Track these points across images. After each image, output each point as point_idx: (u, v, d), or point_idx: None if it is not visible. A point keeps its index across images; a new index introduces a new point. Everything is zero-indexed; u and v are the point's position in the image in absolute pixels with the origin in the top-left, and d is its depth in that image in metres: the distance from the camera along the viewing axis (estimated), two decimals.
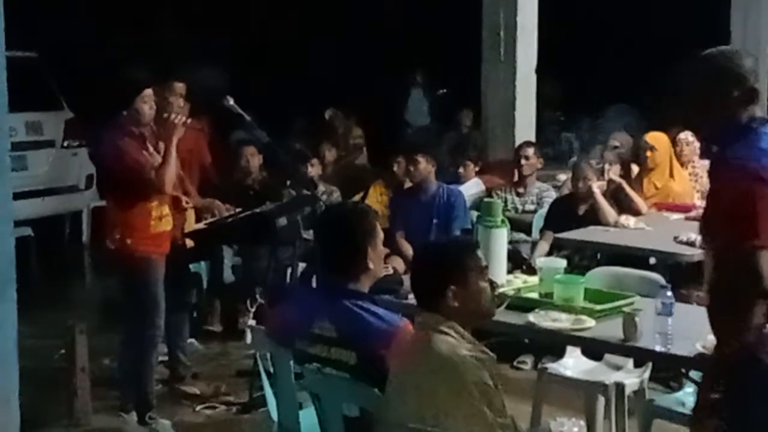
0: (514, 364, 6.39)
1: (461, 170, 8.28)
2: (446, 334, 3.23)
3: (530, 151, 7.77)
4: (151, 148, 5.35)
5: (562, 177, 8.56)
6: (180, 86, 6.24)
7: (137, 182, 5.28)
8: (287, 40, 14.19)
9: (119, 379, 5.69)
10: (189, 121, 5.60)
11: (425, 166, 7.10)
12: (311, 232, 5.76)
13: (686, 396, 4.48)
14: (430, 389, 3.15)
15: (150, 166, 5.28)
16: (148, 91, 5.32)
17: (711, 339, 3.77)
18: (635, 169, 7.78)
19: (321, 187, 7.70)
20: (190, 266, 6.70)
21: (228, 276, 7.38)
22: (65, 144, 10.09)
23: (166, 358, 6.18)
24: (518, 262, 6.49)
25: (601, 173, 7.09)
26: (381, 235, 3.75)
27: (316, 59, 14.10)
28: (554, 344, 5.18)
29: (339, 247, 3.68)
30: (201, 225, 6.26)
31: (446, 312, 3.28)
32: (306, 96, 12.72)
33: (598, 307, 4.38)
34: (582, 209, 6.93)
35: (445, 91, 15.15)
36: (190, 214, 6.40)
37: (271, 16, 14.24)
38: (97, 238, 5.71)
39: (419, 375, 3.20)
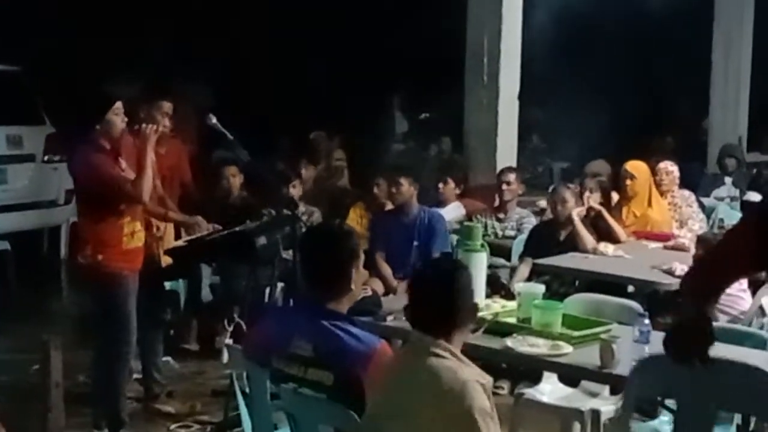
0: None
1: (441, 186, 8.25)
2: (442, 357, 3.16)
3: (511, 176, 7.80)
4: (123, 163, 5.36)
5: (543, 203, 8.60)
6: (167, 105, 6.24)
7: (112, 195, 5.28)
8: (271, 59, 14.21)
9: (92, 396, 5.67)
10: (161, 129, 5.62)
11: (407, 188, 7.11)
12: (290, 252, 5.77)
13: (662, 424, 4.48)
14: (426, 415, 3.10)
15: (124, 179, 5.29)
16: (119, 104, 5.33)
17: None
18: (615, 196, 7.82)
19: (301, 208, 7.70)
20: (169, 284, 6.68)
21: (206, 294, 7.36)
22: (46, 158, 10.05)
23: (140, 375, 6.15)
24: (497, 287, 6.50)
25: (579, 198, 7.12)
26: (362, 257, 3.76)
27: (301, 80, 14.12)
28: (531, 369, 5.18)
29: (323, 267, 3.67)
30: (180, 242, 6.25)
31: (445, 334, 3.21)
32: (289, 116, 12.73)
33: (576, 333, 4.39)
34: (562, 235, 6.95)
35: (427, 115, 15.20)
36: (169, 232, 6.39)
37: (254, 36, 14.26)
38: (75, 254, 5.70)
39: (411, 399, 3.15)
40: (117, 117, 5.31)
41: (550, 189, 8.01)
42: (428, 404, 3.11)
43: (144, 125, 5.43)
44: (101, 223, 5.34)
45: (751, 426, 3.79)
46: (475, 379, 3.12)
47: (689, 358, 3.03)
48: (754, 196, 9.18)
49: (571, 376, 4.83)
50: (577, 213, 6.92)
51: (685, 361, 3.04)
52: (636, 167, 7.57)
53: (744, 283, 5.74)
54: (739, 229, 3.25)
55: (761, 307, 5.80)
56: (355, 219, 8.09)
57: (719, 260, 3.22)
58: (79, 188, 5.55)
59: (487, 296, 4.97)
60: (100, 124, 5.29)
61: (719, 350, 3.39)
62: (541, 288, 4.80)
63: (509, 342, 4.32)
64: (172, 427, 5.82)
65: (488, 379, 3.18)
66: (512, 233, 7.64)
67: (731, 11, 11.71)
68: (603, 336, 4.19)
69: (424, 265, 3.51)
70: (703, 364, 2.99)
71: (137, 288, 5.49)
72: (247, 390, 3.90)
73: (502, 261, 7.35)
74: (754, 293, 5.84)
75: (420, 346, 3.23)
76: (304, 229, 5.59)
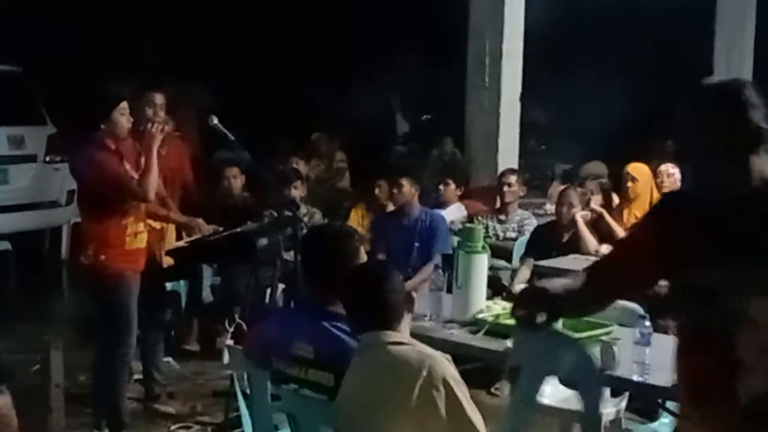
0: (491, 390, 6.37)
1: (442, 187, 8.26)
2: (399, 344, 3.30)
3: (513, 178, 7.79)
4: (127, 165, 5.35)
5: (547, 206, 8.61)
6: (158, 97, 6.19)
7: (118, 194, 5.28)
8: (271, 59, 14.21)
9: (93, 397, 5.66)
10: (166, 128, 5.62)
11: (409, 189, 7.10)
12: (291, 253, 5.77)
13: (662, 427, 4.48)
14: (406, 400, 3.17)
15: (131, 177, 5.29)
16: (124, 103, 5.33)
17: None
18: (616, 199, 7.82)
19: (303, 209, 7.70)
20: (170, 285, 6.68)
21: (207, 295, 7.36)
22: (47, 159, 10.06)
23: (141, 376, 6.15)
24: (498, 289, 6.50)
25: (587, 203, 7.12)
26: (364, 257, 3.76)
27: (302, 80, 14.12)
28: None
29: (322, 268, 3.68)
30: (181, 243, 6.25)
31: (392, 327, 3.34)
32: (289, 117, 12.74)
33: (577, 335, 4.38)
34: (565, 237, 6.94)
35: (429, 116, 15.20)
36: (171, 233, 6.39)
37: (254, 36, 14.28)
38: (76, 254, 5.72)
39: (387, 391, 3.23)
40: (123, 117, 5.31)
41: (550, 188, 8.00)
42: (405, 388, 3.17)
43: (149, 125, 5.44)
44: (104, 223, 5.33)
45: None
46: (439, 353, 3.28)
47: (521, 323, 3.04)
48: None
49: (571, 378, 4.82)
50: (581, 215, 6.91)
51: (521, 326, 3.06)
52: (637, 169, 7.58)
53: None
54: (640, 229, 3.10)
55: None
56: (356, 220, 8.09)
57: (617, 262, 3.05)
58: (84, 188, 5.53)
59: (488, 298, 4.96)
60: (105, 124, 5.29)
61: None
62: None
63: (510, 344, 4.32)
64: (173, 427, 5.82)
65: (449, 356, 3.32)
66: (513, 235, 7.63)
67: (733, 15, 11.70)
68: (604, 338, 4.18)
69: (354, 274, 3.57)
70: (533, 330, 3.00)
71: (139, 289, 5.49)
72: (248, 391, 3.90)
73: (503, 263, 7.34)
74: None
75: (375, 342, 3.33)
76: (305, 231, 5.58)
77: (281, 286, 6.43)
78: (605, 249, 6.73)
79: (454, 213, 8.01)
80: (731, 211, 2.65)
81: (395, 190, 7.18)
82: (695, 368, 2.78)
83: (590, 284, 3.03)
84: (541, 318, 2.96)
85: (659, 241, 2.78)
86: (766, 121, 2.65)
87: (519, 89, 8.83)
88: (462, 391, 3.20)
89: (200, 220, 6.22)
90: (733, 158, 2.64)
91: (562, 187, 7.83)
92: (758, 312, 2.58)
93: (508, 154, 8.74)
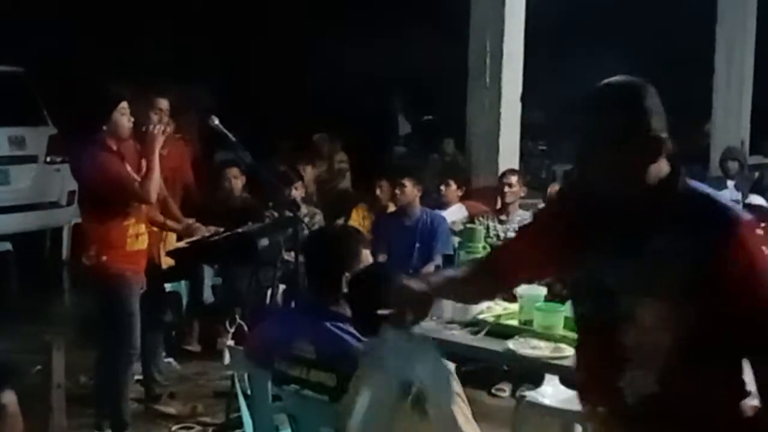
0: (492, 391, 6.38)
1: (443, 188, 8.25)
2: None
3: (514, 178, 7.78)
4: (128, 167, 5.35)
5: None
6: (162, 102, 6.21)
7: (119, 196, 5.28)
8: (272, 60, 14.22)
9: (95, 397, 5.67)
10: (169, 130, 5.63)
11: (411, 190, 7.11)
12: (292, 253, 5.77)
13: None
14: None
15: (132, 179, 5.29)
16: (124, 103, 5.32)
17: None
18: None
19: (303, 210, 7.70)
20: (170, 285, 6.68)
21: (208, 296, 7.36)
22: (48, 159, 10.07)
23: (142, 376, 6.15)
24: None
25: None
26: (367, 258, 3.76)
27: (303, 81, 14.13)
28: (533, 372, 5.18)
29: (324, 268, 3.68)
30: (182, 244, 6.25)
31: None
32: (290, 117, 12.75)
33: (575, 335, 4.38)
34: None
35: (430, 117, 15.21)
36: (171, 233, 6.39)
37: (254, 36, 14.29)
38: (77, 255, 5.73)
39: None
40: (123, 117, 5.31)
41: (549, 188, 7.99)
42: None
43: (151, 126, 5.44)
44: (106, 224, 5.33)
45: None
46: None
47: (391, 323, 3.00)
48: (757, 199, 9.16)
49: (573, 378, 4.82)
50: None
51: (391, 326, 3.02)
52: None
53: None
54: (536, 221, 3.11)
55: None
56: (357, 220, 8.10)
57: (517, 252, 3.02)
58: (85, 189, 5.53)
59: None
60: (107, 125, 5.29)
61: None
62: (542, 290, 4.79)
63: (511, 344, 4.31)
64: (174, 428, 5.83)
65: (451, 365, 3.26)
66: (514, 235, 7.62)
67: (733, 14, 11.70)
68: None
69: (358, 276, 3.57)
70: (398, 331, 2.96)
71: (141, 290, 5.49)
72: (249, 391, 3.91)
73: None
74: None
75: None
76: (305, 231, 5.59)
77: (282, 286, 6.44)
78: None
79: (455, 213, 8.01)
80: (622, 210, 2.59)
81: (398, 191, 7.19)
82: (586, 363, 2.81)
83: (483, 272, 3.02)
84: (408, 318, 2.91)
85: (552, 235, 2.77)
86: (665, 128, 2.57)
87: (520, 89, 8.82)
88: (458, 404, 3.16)
89: (198, 224, 6.22)
90: (632, 165, 2.55)
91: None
92: (644, 312, 2.54)
93: (509, 154, 8.73)
